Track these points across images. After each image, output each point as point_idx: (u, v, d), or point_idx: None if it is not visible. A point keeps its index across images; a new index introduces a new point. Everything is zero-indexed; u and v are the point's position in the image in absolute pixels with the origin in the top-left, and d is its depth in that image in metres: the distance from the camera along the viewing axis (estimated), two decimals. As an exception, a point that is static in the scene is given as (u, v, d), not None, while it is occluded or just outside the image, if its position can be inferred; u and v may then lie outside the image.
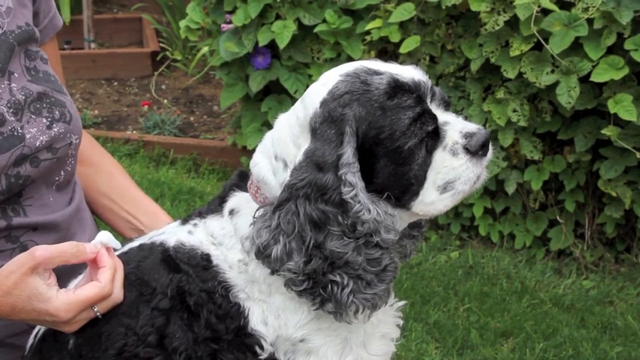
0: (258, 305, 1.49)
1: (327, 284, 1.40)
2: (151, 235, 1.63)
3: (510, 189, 4.08)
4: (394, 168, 1.43)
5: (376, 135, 1.41)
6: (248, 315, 1.49)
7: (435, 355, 3.43)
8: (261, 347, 1.49)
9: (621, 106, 3.58)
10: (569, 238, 4.11)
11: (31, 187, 1.71)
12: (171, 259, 1.53)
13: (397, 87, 1.43)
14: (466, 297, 3.82)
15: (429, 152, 1.45)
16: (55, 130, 1.71)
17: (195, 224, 1.57)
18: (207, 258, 1.51)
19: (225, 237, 1.52)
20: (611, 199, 3.95)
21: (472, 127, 1.48)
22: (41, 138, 1.69)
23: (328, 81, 1.46)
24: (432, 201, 1.47)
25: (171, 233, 1.58)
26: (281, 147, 1.48)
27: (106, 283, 1.48)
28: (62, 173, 1.79)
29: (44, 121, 1.70)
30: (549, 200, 4.16)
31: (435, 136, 1.45)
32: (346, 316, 1.43)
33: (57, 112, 1.73)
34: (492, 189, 4.16)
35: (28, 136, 1.66)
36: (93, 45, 7.06)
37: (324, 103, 1.43)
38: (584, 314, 3.72)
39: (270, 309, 1.49)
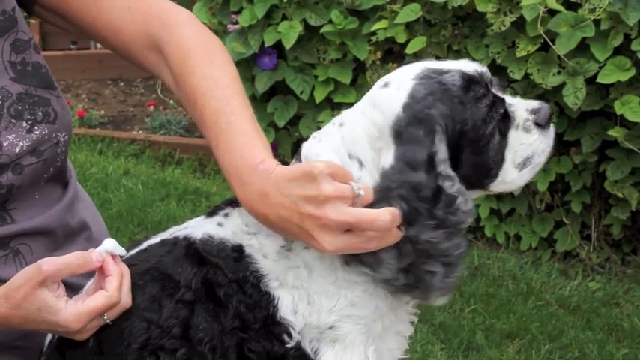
0: (289, 293, 1.50)
1: (423, 274, 1.44)
2: (172, 231, 1.62)
3: (516, 190, 4.07)
4: (476, 156, 1.50)
5: (461, 128, 1.47)
6: (277, 303, 1.49)
7: (440, 356, 3.42)
8: (290, 335, 1.49)
9: (628, 107, 3.57)
10: (575, 240, 4.11)
11: (18, 192, 1.64)
12: (197, 252, 1.52)
13: (469, 80, 1.50)
14: (472, 298, 3.82)
15: (503, 135, 1.52)
16: (37, 132, 1.63)
17: (226, 214, 1.56)
18: (238, 249, 1.51)
19: None
20: (617, 201, 3.94)
21: (535, 103, 1.57)
22: (21, 144, 1.60)
23: (402, 85, 1.49)
24: (512, 179, 1.54)
25: (197, 227, 1.57)
26: (357, 147, 1.50)
27: (112, 292, 1.48)
28: (51, 169, 1.71)
29: (24, 124, 1.61)
30: (555, 201, 4.16)
31: (505, 118, 1.53)
32: (429, 299, 1.48)
33: (40, 113, 1.64)
34: (498, 190, 4.15)
35: (5, 144, 1.58)
36: (99, 45, 7.07)
37: (406, 107, 1.46)
38: (590, 316, 3.71)
39: (303, 295, 1.50)
